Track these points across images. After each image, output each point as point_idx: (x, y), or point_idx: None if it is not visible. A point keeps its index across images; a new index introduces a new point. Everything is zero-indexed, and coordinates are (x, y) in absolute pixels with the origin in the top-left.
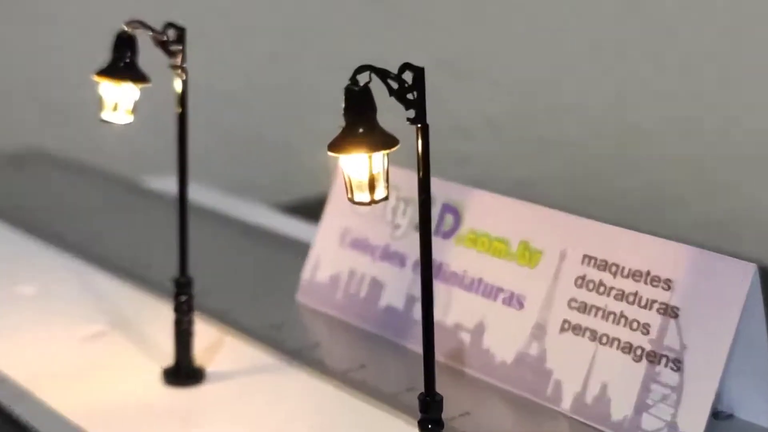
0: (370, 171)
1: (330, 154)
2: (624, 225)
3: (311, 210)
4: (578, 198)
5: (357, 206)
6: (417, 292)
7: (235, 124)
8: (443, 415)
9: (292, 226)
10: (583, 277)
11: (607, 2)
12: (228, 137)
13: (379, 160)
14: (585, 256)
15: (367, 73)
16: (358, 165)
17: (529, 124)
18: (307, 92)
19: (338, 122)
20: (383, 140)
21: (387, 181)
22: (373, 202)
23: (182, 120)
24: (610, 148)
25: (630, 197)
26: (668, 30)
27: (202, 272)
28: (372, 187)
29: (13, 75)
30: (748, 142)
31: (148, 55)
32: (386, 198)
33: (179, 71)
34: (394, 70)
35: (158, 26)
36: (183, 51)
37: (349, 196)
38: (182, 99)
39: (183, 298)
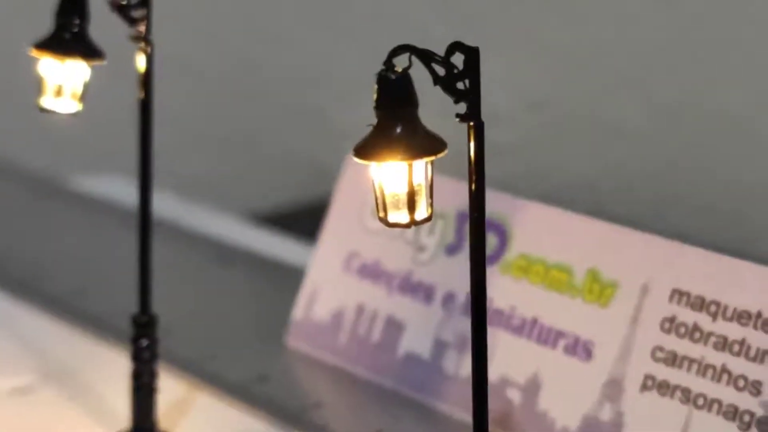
0: (410, 184)
1: (357, 161)
2: (728, 250)
3: (302, 223)
4: (660, 209)
5: (368, 221)
6: (448, 335)
7: (203, 111)
8: None
9: (279, 245)
10: (672, 319)
11: None
12: (193, 128)
13: (421, 169)
14: (675, 291)
15: (407, 54)
16: (394, 176)
17: (584, 105)
18: (298, 75)
19: (364, 118)
20: (427, 144)
21: (431, 196)
22: (413, 223)
23: (146, 108)
24: (702, 137)
25: (733, 208)
26: None
27: (164, 308)
28: (412, 204)
29: None
30: None
31: (102, 23)
32: (430, 218)
33: (143, 44)
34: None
35: None
36: (148, 17)
37: (381, 215)
38: (146, 81)
39: (144, 342)
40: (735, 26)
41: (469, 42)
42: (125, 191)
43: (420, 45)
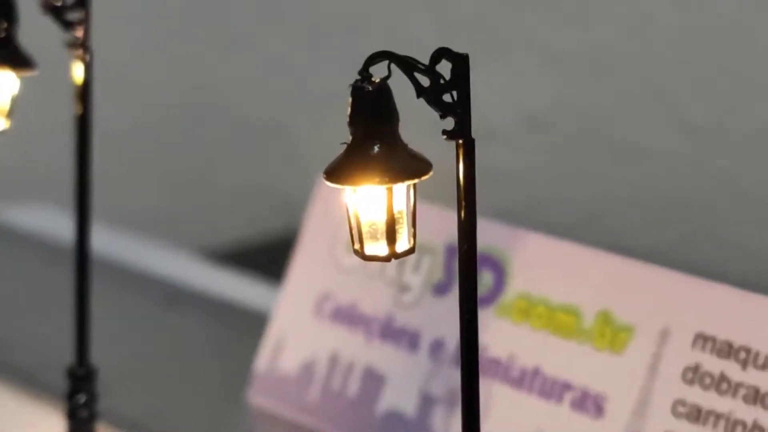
0: (390, 210)
1: (329, 185)
2: (761, 288)
3: (265, 260)
4: (683, 243)
5: (342, 257)
6: (436, 388)
7: (150, 132)
8: None
9: (239, 286)
10: (695, 369)
11: None
12: (139, 151)
13: (402, 194)
14: (699, 335)
15: (386, 62)
16: (371, 202)
17: (589, 123)
18: (258, 88)
19: (337, 136)
20: (410, 165)
21: (414, 225)
22: (394, 256)
23: (83, 126)
24: (734, 160)
25: (750, 242)
26: None
27: (105, 357)
28: (392, 234)
29: None
30: None
31: (33, 27)
32: (413, 250)
33: (80, 51)
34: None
35: None
36: (87, 21)
37: (357, 247)
38: (84, 94)
39: (82, 398)
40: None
41: (459, 48)
42: (58, 223)
43: (402, 52)
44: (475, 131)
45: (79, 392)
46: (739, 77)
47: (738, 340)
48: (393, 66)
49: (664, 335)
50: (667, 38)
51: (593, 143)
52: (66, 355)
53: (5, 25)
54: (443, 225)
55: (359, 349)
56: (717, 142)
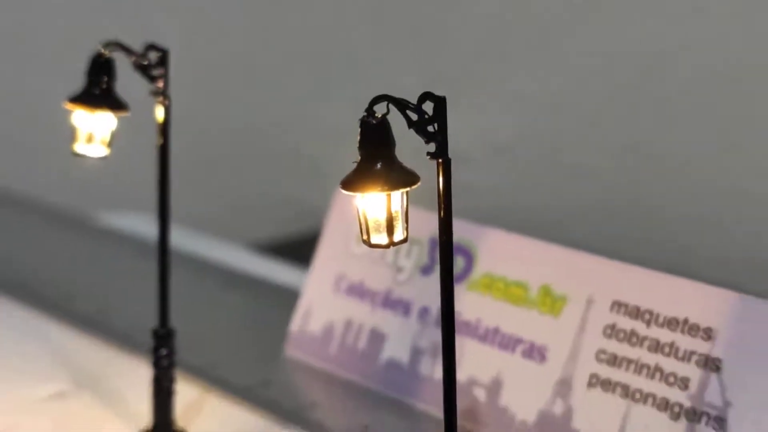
0: (389, 211)
1: (344, 192)
2: (657, 267)
3: (297, 251)
4: (603, 236)
5: (354, 246)
6: (423, 343)
7: (213, 156)
8: None
9: (276, 270)
10: (612, 327)
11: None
12: (204, 171)
13: (397, 198)
14: (615, 302)
15: (385, 103)
16: (375, 204)
17: (539, 148)
18: (290, 124)
19: (349, 156)
20: (403, 177)
21: (406, 221)
22: (392, 244)
23: (164, 153)
24: (643, 177)
25: (662, 235)
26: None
27: (179, 323)
28: (390, 228)
29: None
30: None
31: (127, 80)
32: (405, 240)
33: (161, 99)
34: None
35: (138, 48)
36: (165, 76)
37: (365, 238)
38: (164, 129)
39: (163, 352)
40: (677, 79)
41: (438, 92)
42: (145, 226)
43: (396, 95)
44: (451, 154)
45: (161, 347)
46: (653, 112)
47: (643, 306)
48: (390, 105)
49: (589, 302)
50: (598, 82)
51: (542, 164)
52: (151, 321)
53: (106, 79)
54: (427, 223)
55: (366, 315)
56: (636, 160)
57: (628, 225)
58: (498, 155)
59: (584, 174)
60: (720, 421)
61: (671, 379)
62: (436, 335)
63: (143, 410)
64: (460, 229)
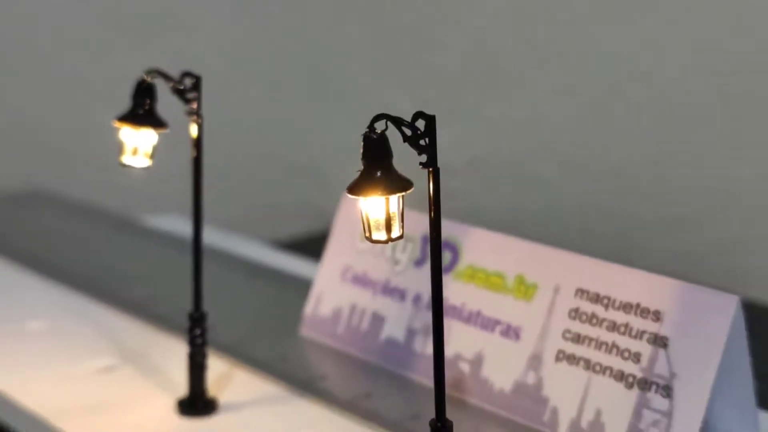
0: (387, 212)
1: (350, 196)
2: (616, 261)
3: (310, 247)
4: (562, 233)
5: (358, 243)
6: (417, 324)
7: (239, 167)
8: None
9: (292, 264)
10: (576, 310)
11: (579, 53)
12: (232, 180)
13: (395, 201)
14: (578, 289)
15: (384, 121)
16: (375, 206)
17: (508, 162)
18: (303, 139)
19: (354, 166)
20: (399, 183)
21: (402, 221)
22: (390, 240)
23: (197, 164)
24: (589, 186)
25: (612, 231)
26: (636, 76)
27: (210, 308)
28: (389, 226)
29: (16, 122)
30: (714, 185)
31: (166, 102)
32: (401, 237)
33: (195, 118)
34: (388, 113)
35: (175, 75)
36: (198, 98)
37: (367, 235)
38: (198, 144)
39: (197, 331)
40: (620, 107)
41: (428, 112)
42: (181, 226)
43: (393, 113)
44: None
45: (195, 328)
46: (596, 134)
47: (602, 292)
48: (389, 123)
49: (556, 290)
50: (552, 110)
51: (511, 174)
52: (187, 306)
53: (149, 101)
54: (420, 223)
55: (368, 301)
56: (583, 172)
57: (582, 223)
58: (474, 167)
59: (541, 182)
60: (667, 389)
61: (626, 354)
62: (428, 318)
63: (180, 382)
64: (448, 228)
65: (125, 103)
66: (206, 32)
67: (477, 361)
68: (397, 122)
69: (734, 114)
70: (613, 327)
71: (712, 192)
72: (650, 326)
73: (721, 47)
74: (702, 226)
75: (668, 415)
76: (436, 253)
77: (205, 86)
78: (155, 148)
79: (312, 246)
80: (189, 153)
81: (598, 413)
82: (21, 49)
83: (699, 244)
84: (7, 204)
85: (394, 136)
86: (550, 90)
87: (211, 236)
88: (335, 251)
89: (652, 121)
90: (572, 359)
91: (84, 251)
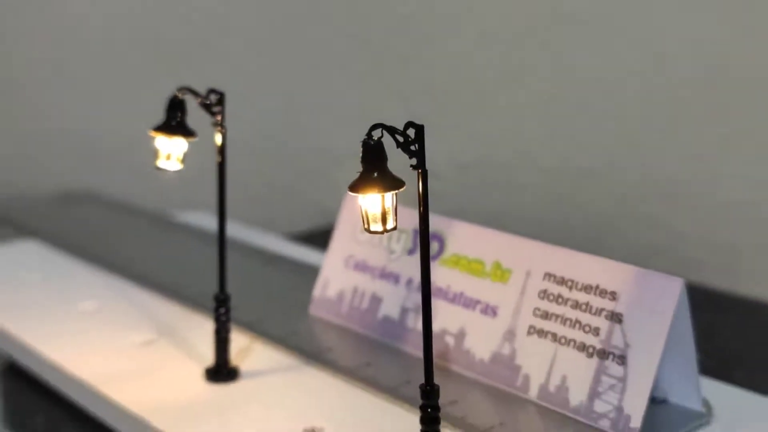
0: (383, 207)
1: (351, 194)
2: (577, 249)
3: (318, 239)
4: (536, 227)
5: (359, 235)
6: (409, 304)
7: (258, 171)
8: None
9: (302, 253)
10: (544, 291)
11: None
12: (251, 182)
13: (389, 198)
14: (546, 273)
15: (380, 129)
16: (373, 202)
17: (490, 169)
18: (312, 147)
19: (354, 168)
20: (393, 183)
21: (395, 214)
22: (385, 231)
23: (222, 168)
24: (561, 189)
25: (579, 227)
26: (594, 89)
27: (233, 290)
28: (384, 219)
29: (67, 129)
30: (666, 184)
31: (195, 114)
32: (395, 228)
33: (219, 128)
34: (384, 123)
35: (203, 92)
36: (222, 112)
37: (366, 226)
38: (222, 151)
39: (222, 310)
40: (586, 121)
41: (418, 122)
42: (208, 221)
43: (388, 124)
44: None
45: (220, 308)
46: (564, 144)
47: (566, 276)
48: (384, 131)
49: (528, 274)
50: (528, 123)
51: (493, 180)
52: (213, 289)
53: (180, 114)
54: (412, 218)
55: (368, 284)
56: (554, 176)
57: (553, 220)
58: (460, 172)
59: (516, 184)
60: (622, 358)
61: (587, 329)
62: (418, 298)
63: (207, 353)
64: (435, 222)
65: (160, 116)
66: (229, 56)
67: (460, 335)
68: (391, 131)
69: (694, 119)
70: (576, 305)
71: (669, 191)
72: (608, 305)
73: (677, 60)
74: (660, 222)
75: (623, 380)
76: (425, 243)
77: (228, 101)
78: (185, 154)
79: (319, 238)
80: (214, 158)
81: (564, 379)
82: (76, 70)
83: (657, 237)
84: (60, 203)
85: (388, 142)
86: (526, 104)
87: (233, 230)
88: (339, 242)
89: (615, 130)
90: (541, 333)
91: (125, 243)
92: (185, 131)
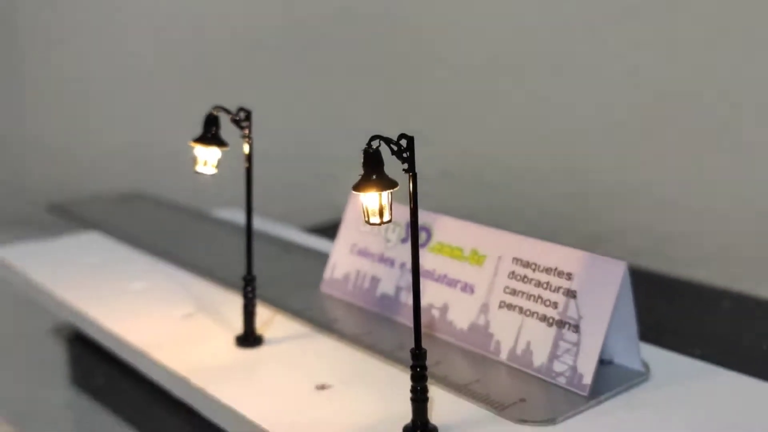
0: (380, 203)
1: (354, 192)
2: (539, 237)
3: (327, 230)
4: (505, 220)
5: (365, 226)
6: (403, 283)
7: (279, 176)
8: None
9: (315, 242)
10: (513, 272)
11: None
12: (273, 184)
13: (385, 196)
14: (514, 258)
15: (378, 140)
16: (372, 199)
17: (472, 173)
18: (323, 154)
19: (357, 172)
20: (389, 183)
21: (390, 209)
22: (382, 223)
23: (249, 172)
24: (524, 189)
25: (538, 220)
26: (553, 96)
27: (258, 272)
28: (381, 213)
29: (125, 142)
30: (611, 185)
31: (228, 128)
32: (390, 221)
33: (247, 140)
34: (382, 135)
35: (233, 109)
36: (249, 126)
37: (366, 219)
38: (249, 158)
39: (249, 289)
40: (558, 134)
41: (409, 133)
42: (238, 216)
43: (385, 135)
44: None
45: (247, 287)
46: (531, 152)
47: (531, 260)
48: (381, 141)
49: (499, 258)
50: (505, 137)
51: (474, 183)
52: (241, 271)
53: (215, 128)
54: (404, 212)
55: (368, 268)
56: (523, 179)
57: (521, 215)
58: (443, 175)
59: (494, 187)
60: (576, 327)
61: (547, 303)
62: (410, 279)
63: (237, 324)
64: (423, 217)
65: (198, 129)
66: (256, 79)
67: (444, 309)
68: (387, 141)
69: (630, 132)
70: (539, 284)
71: (612, 191)
72: (564, 283)
73: (619, 86)
74: (604, 216)
75: (577, 345)
76: (415, 233)
77: (254, 117)
78: (219, 161)
79: (329, 229)
80: (243, 164)
81: (528, 344)
82: (129, 95)
83: (601, 228)
84: (117, 202)
85: (385, 151)
86: (496, 122)
87: (258, 223)
88: (345, 232)
89: (567, 142)
90: (510, 307)
91: (170, 234)
92: (219, 142)
